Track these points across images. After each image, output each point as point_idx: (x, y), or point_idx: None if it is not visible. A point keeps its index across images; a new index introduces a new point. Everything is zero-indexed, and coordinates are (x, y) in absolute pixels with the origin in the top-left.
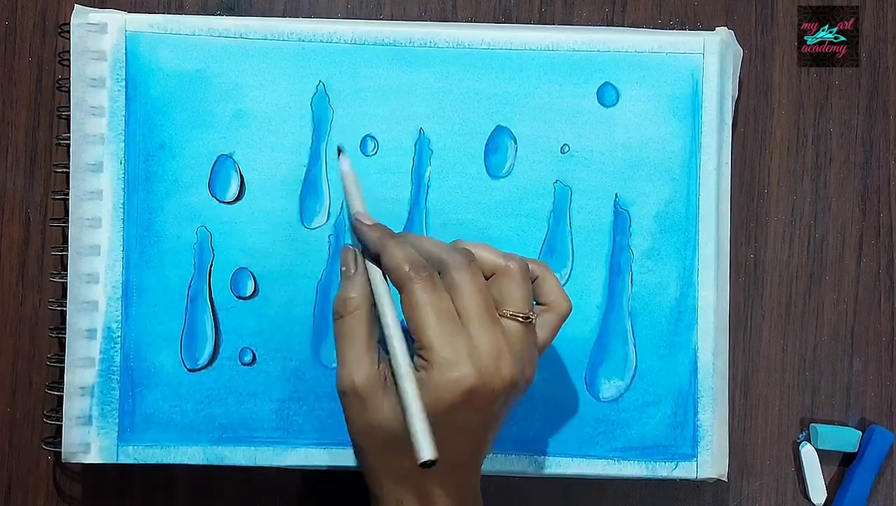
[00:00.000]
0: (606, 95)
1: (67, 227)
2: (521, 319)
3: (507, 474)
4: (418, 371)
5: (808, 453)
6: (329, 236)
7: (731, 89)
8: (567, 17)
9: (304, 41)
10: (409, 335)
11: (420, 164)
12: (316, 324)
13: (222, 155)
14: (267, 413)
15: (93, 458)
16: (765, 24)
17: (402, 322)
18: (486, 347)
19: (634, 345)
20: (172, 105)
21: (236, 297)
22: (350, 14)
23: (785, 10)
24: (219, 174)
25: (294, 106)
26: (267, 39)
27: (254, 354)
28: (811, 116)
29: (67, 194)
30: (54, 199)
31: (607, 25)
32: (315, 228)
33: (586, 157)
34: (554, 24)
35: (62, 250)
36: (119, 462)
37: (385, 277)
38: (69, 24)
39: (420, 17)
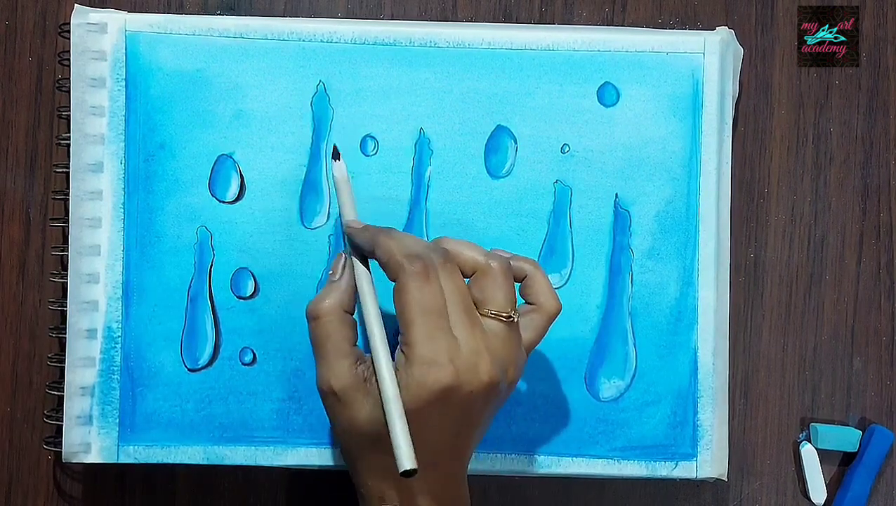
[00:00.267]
0: (607, 95)
1: (68, 227)
2: (503, 319)
3: (507, 474)
4: (398, 369)
5: (808, 452)
6: (329, 236)
7: (731, 89)
8: (567, 17)
9: (304, 41)
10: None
11: (420, 164)
12: None
13: (222, 155)
14: (267, 413)
15: (93, 458)
16: (765, 23)
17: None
18: (464, 347)
19: (634, 345)
20: (172, 105)
21: (236, 297)
22: (350, 14)
23: (785, 10)
24: (219, 174)
25: (294, 106)
26: (267, 39)
27: (254, 354)
28: (811, 116)
29: (67, 194)
30: (54, 199)
31: (607, 25)
32: (315, 228)
33: (586, 157)
34: (554, 23)
35: (62, 250)
36: (119, 462)
37: (372, 283)
38: (69, 23)
39: (420, 17)
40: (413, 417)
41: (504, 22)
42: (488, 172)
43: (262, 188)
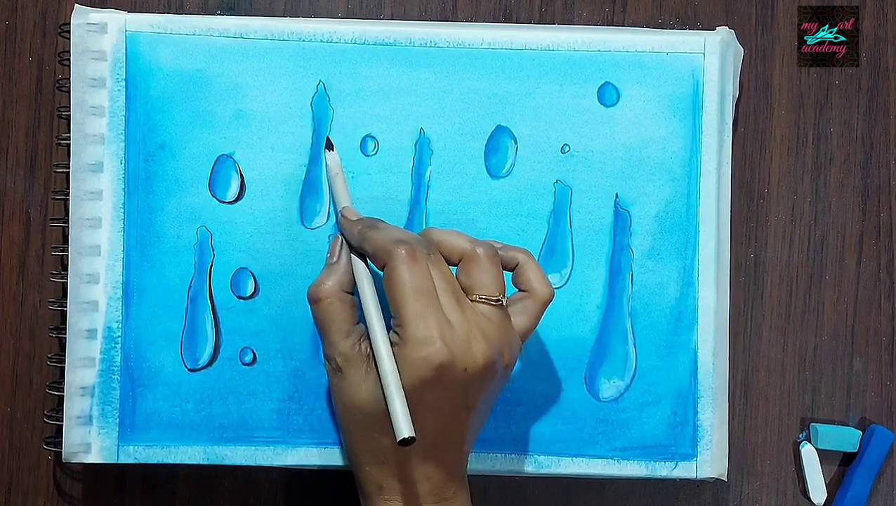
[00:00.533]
0: (607, 95)
1: (68, 227)
2: (492, 303)
3: (507, 474)
4: (393, 346)
5: (808, 452)
6: (329, 236)
7: (731, 89)
8: (567, 17)
9: (304, 41)
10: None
11: (420, 164)
12: None
13: (222, 155)
14: (267, 413)
15: (93, 458)
16: (765, 24)
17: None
18: (457, 326)
19: (634, 345)
20: (172, 105)
21: (236, 297)
22: (350, 14)
23: (785, 10)
24: (219, 174)
25: (294, 106)
26: (267, 39)
27: (254, 354)
28: (811, 116)
29: (67, 194)
30: (54, 199)
31: (607, 25)
32: (315, 228)
33: (587, 157)
34: (554, 23)
35: (62, 250)
36: (119, 462)
37: (368, 265)
38: (69, 24)
39: (420, 17)
40: (409, 396)
41: (504, 22)
42: (488, 172)
43: (263, 188)
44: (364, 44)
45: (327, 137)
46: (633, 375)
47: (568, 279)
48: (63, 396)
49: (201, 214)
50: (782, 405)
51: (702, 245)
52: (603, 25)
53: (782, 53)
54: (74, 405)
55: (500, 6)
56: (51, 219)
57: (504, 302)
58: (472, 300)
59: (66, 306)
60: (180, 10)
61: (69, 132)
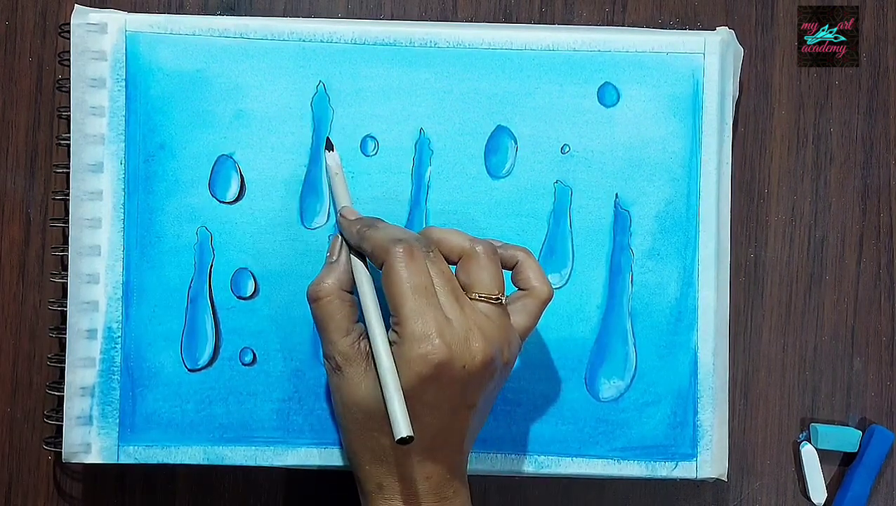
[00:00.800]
0: (607, 95)
1: (68, 227)
2: (491, 301)
3: (507, 474)
4: (392, 345)
5: (808, 452)
6: (329, 236)
7: (731, 89)
8: (567, 17)
9: (304, 41)
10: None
11: (420, 164)
12: None
13: (222, 155)
14: (267, 413)
15: (93, 458)
16: (765, 24)
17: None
18: (456, 324)
19: (634, 345)
20: (172, 105)
21: (237, 297)
22: (350, 14)
23: (785, 10)
24: (219, 174)
25: (294, 106)
26: (267, 39)
27: (254, 354)
28: (811, 116)
29: (68, 194)
30: (54, 199)
31: (607, 25)
32: (315, 228)
33: (587, 157)
34: (554, 23)
35: (62, 251)
36: (119, 462)
37: (367, 265)
38: (69, 24)
39: (420, 17)
40: (408, 394)
41: (504, 22)
42: (488, 172)
43: (263, 188)
44: (364, 44)
45: (327, 138)
46: (633, 376)
47: (568, 279)
48: (63, 396)
49: (201, 215)
50: (782, 405)
51: (702, 245)
52: (603, 25)
53: (782, 53)
54: (74, 405)
55: (500, 6)
56: (51, 219)
57: (503, 300)
58: (471, 298)
59: (66, 306)
60: (180, 10)
61: (69, 132)
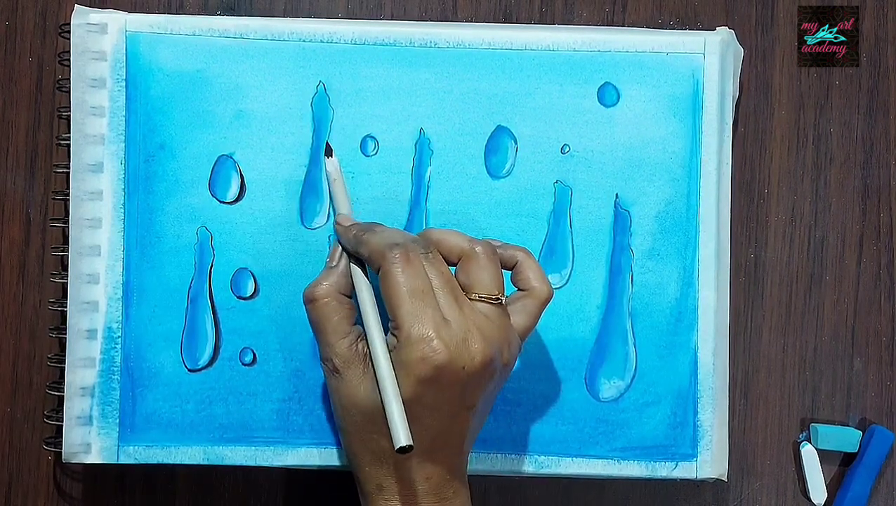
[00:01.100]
0: (607, 95)
1: (68, 227)
2: (491, 301)
3: (507, 474)
4: (390, 351)
5: (808, 453)
6: (329, 237)
7: (731, 89)
8: (567, 17)
9: (304, 41)
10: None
11: (420, 164)
12: None
13: (223, 155)
14: (267, 413)
15: (93, 458)
16: (765, 24)
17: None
18: (455, 326)
19: (634, 345)
20: (173, 105)
21: (237, 297)
22: (350, 14)
23: (785, 10)
24: (219, 174)
25: (294, 106)
26: (267, 39)
27: (254, 355)
28: (811, 116)
29: (68, 194)
30: (54, 199)
31: (608, 25)
32: (315, 229)
33: (587, 157)
34: (554, 24)
35: (62, 251)
36: (119, 462)
37: (367, 273)
38: (69, 24)
39: (420, 17)
40: (409, 397)
41: (504, 22)
42: (488, 172)
43: (263, 188)
44: (364, 44)
45: (327, 143)
46: (633, 376)
47: (568, 279)
48: (63, 396)
49: (201, 215)
50: (782, 405)
51: (702, 245)
52: (603, 25)
53: (782, 53)
54: (74, 406)
55: (500, 6)
56: (51, 219)
57: (503, 301)
58: (471, 299)
59: (66, 307)
60: (180, 10)
61: (69, 132)
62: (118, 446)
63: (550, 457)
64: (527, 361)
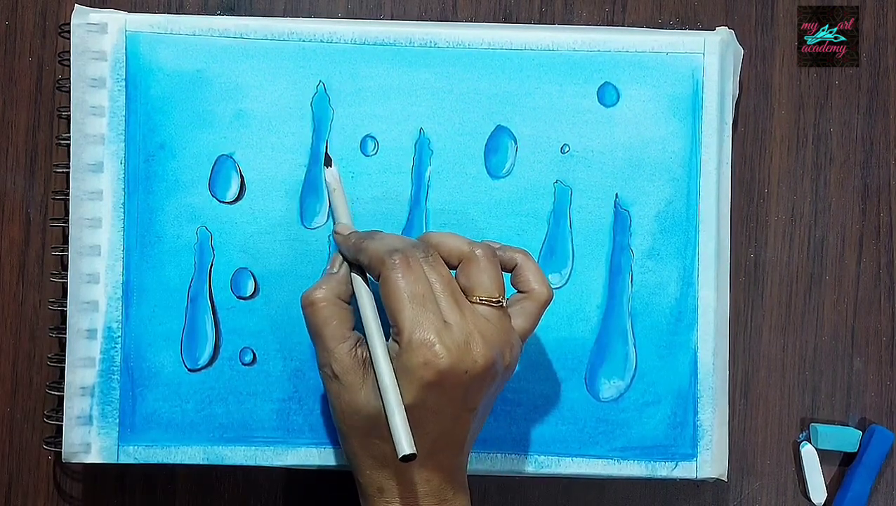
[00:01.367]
0: (607, 95)
1: (68, 227)
2: (492, 304)
3: (507, 474)
4: (392, 356)
5: (808, 452)
6: (329, 236)
7: (731, 89)
8: (567, 17)
9: (304, 41)
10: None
11: (420, 164)
12: None
13: (222, 155)
14: (267, 413)
15: (93, 458)
16: (765, 24)
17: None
18: (456, 329)
19: (634, 345)
20: (173, 105)
21: (237, 297)
22: (350, 14)
23: (785, 10)
24: (219, 174)
25: (294, 106)
26: (267, 39)
27: (254, 354)
28: (811, 116)
29: (68, 194)
30: (54, 199)
31: (607, 25)
32: (315, 228)
33: (586, 157)
34: (554, 23)
35: (62, 250)
36: (119, 462)
37: (367, 282)
38: (69, 24)
39: (420, 17)
40: (411, 403)
41: (504, 22)
42: (488, 172)
43: (262, 188)
44: (364, 44)
45: (326, 153)
46: (633, 376)
47: (568, 279)
48: (63, 396)
49: (201, 214)
50: (782, 405)
51: (702, 245)
52: (603, 25)
53: (782, 53)
54: (74, 405)
55: (500, 6)
56: (51, 219)
57: (504, 303)
58: (471, 302)
59: (66, 306)
60: (180, 10)
61: (69, 132)
62: (118, 445)
63: (550, 457)
64: (527, 362)
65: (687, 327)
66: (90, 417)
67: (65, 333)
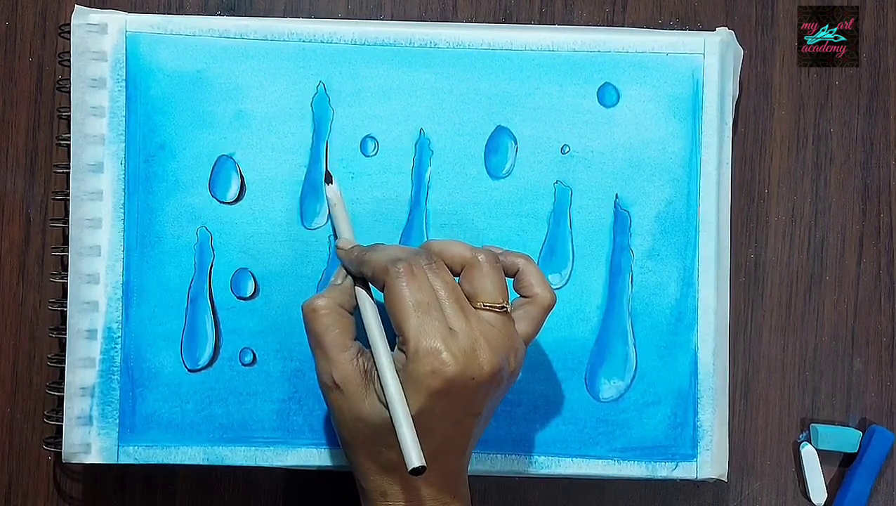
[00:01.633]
0: (607, 96)
1: (68, 227)
2: (496, 310)
3: (507, 475)
4: (398, 366)
5: (808, 453)
6: (329, 237)
7: (731, 89)
8: (567, 18)
9: (304, 41)
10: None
11: (420, 164)
12: None
13: (223, 155)
14: (267, 413)
15: (93, 458)
16: (765, 24)
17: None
18: (462, 337)
19: (634, 345)
20: (173, 105)
21: (237, 297)
22: (350, 14)
23: (785, 10)
24: (219, 174)
25: (294, 106)
26: (267, 40)
27: (254, 355)
28: (811, 116)
29: (68, 195)
30: (54, 199)
31: (607, 25)
32: (315, 229)
33: (586, 157)
34: (554, 24)
35: (62, 251)
36: (119, 462)
37: (372, 296)
38: (69, 24)
39: (420, 18)
40: (418, 411)
41: (504, 22)
42: (488, 172)
43: (263, 189)
44: (364, 44)
45: (326, 171)
46: (634, 376)
47: (568, 280)
48: (63, 396)
49: (201, 215)
50: (782, 406)
51: (702, 245)
52: (603, 26)
53: (782, 53)
54: (74, 406)
55: (500, 6)
56: (51, 219)
57: (508, 308)
58: (475, 308)
59: (66, 307)
60: (180, 10)
61: (69, 132)
62: (118, 446)
63: (550, 457)
64: (527, 362)
65: (687, 328)
66: (90, 417)
67: (65, 334)
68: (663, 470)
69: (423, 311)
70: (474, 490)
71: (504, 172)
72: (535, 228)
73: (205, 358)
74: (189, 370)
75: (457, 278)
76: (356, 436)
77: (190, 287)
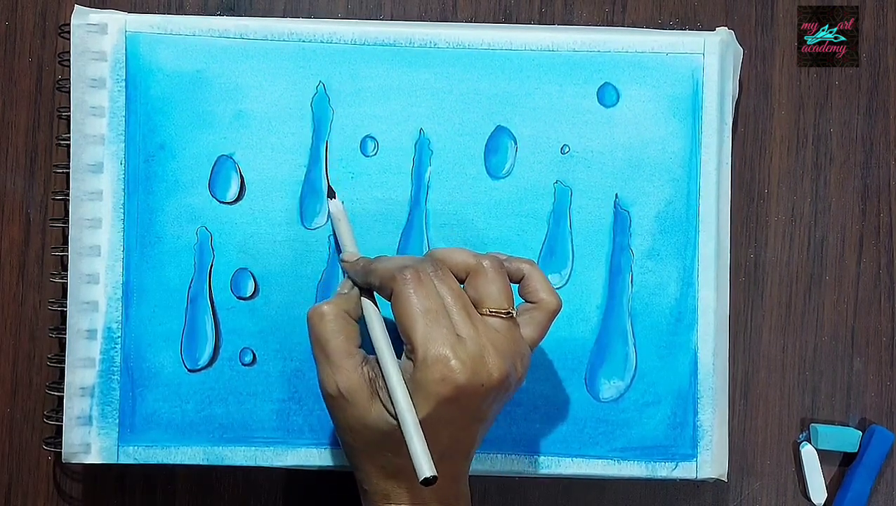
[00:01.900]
0: (607, 96)
1: (68, 227)
2: (502, 315)
3: (507, 474)
4: (406, 375)
5: (808, 453)
6: (329, 237)
7: (731, 89)
8: (567, 17)
9: (304, 41)
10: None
11: (420, 164)
12: None
13: (222, 155)
14: (267, 413)
15: (93, 458)
16: (765, 24)
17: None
18: (470, 343)
19: (634, 345)
20: (172, 105)
21: (236, 297)
22: (350, 14)
23: (785, 10)
24: (219, 175)
25: (294, 106)
26: (267, 40)
27: (254, 355)
28: (811, 116)
29: (67, 195)
30: (54, 199)
31: (607, 25)
32: (315, 229)
33: (586, 157)
34: (554, 24)
35: (62, 251)
36: (119, 462)
37: (377, 304)
38: (69, 24)
39: (420, 18)
40: (426, 417)
41: (504, 22)
42: (488, 172)
43: (262, 189)
44: (364, 44)
45: (329, 186)
46: (633, 376)
47: (568, 280)
48: (63, 396)
49: (201, 215)
50: (782, 406)
51: (702, 245)
52: (603, 26)
53: (782, 53)
54: (74, 406)
55: (500, 6)
56: (51, 219)
57: (514, 314)
58: (482, 314)
59: (66, 307)
60: (180, 10)
61: (69, 132)
62: (118, 446)
63: (550, 457)
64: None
65: (687, 328)
66: (90, 417)
67: (65, 334)
68: (663, 470)
69: (431, 318)
70: (474, 490)
71: (504, 172)
72: (534, 228)
73: (205, 358)
74: (189, 370)
75: (462, 286)
76: (360, 442)
77: (190, 287)
